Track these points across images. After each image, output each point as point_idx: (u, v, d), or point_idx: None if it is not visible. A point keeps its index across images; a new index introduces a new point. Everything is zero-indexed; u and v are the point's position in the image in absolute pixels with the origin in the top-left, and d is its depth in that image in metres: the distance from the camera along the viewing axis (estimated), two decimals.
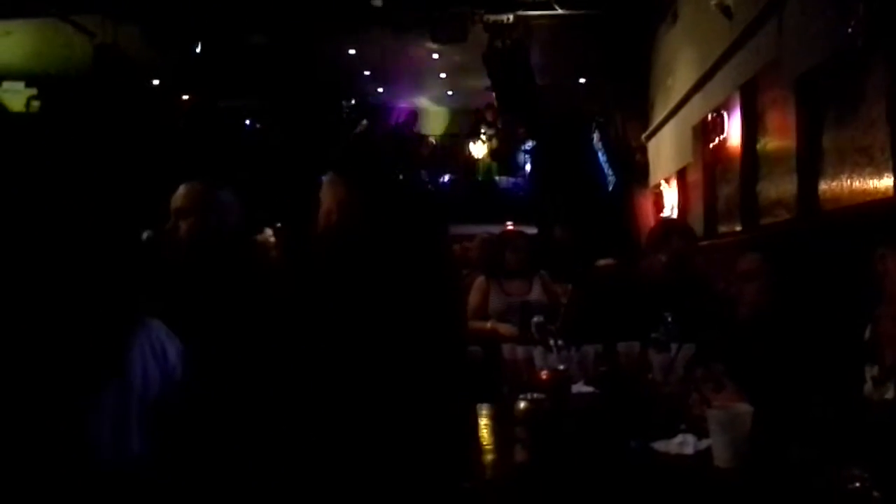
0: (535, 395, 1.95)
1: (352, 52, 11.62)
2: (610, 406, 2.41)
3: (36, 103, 12.00)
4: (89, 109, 10.73)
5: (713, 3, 6.54)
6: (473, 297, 4.92)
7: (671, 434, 1.96)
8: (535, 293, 4.95)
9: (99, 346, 1.44)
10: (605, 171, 10.85)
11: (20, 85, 12.06)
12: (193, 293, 2.36)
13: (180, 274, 2.50)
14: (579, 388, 2.66)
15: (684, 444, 1.90)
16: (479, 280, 5.02)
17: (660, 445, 1.92)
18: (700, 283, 3.81)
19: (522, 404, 1.93)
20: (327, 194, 2.17)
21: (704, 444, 1.88)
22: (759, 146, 6.01)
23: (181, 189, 2.53)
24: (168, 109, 12.07)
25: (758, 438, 1.75)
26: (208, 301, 2.30)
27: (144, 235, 2.60)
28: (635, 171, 9.99)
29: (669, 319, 3.01)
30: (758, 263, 2.71)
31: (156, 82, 11.89)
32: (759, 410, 1.78)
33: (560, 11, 9.30)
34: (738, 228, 6.38)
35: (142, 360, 1.63)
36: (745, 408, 1.79)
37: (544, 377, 2.21)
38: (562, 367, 2.37)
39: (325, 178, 2.29)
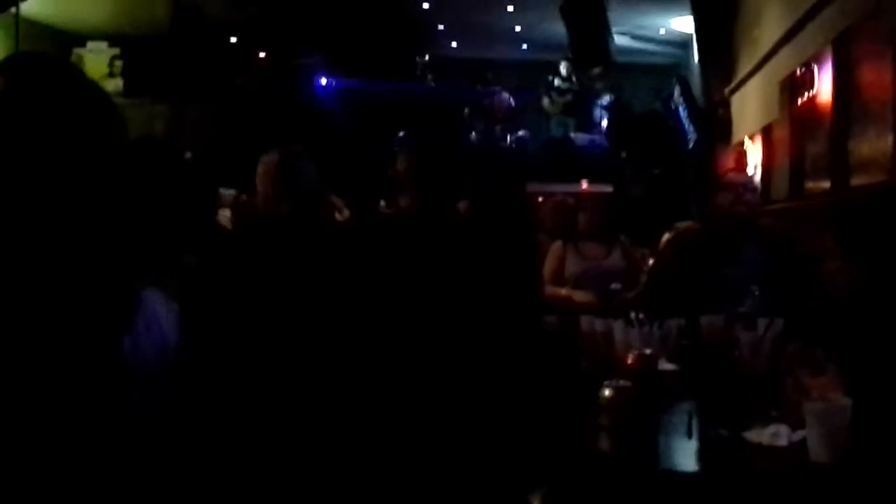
0: (621, 382, 1.90)
1: (426, 6, 11.49)
2: (695, 386, 2.34)
3: (119, 63, 12.24)
4: (170, 68, 10.91)
5: None
6: (549, 263, 4.86)
7: (763, 422, 1.89)
8: (614, 259, 4.86)
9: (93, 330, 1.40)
10: (686, 127, 10.52)
11: (104, 44, 12.30)
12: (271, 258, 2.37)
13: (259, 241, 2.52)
14: (662, 364, 2.59)
15: (777, 434, 1.83)
16: (556, 245, 4.95)
17: (751, 435, 1.85)
18: (787, 251, 3.68)
19: (608, 391, 1.88)
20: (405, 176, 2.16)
21: (799, 435, 1.80)
22: (852, 103, 5.71)
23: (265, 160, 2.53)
24: (245, 66, 12.18)
25: (858, 433, 1.67)
26: (284, 271, 2.30)
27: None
28: (718, 128, 9.67)
29: (756, 293, 2.92)
30: (855, 241, 2.57)
31: (233, 40, 12.00)
32: (858, 401, 1.69)
33: None
34: (827, 190, 6.12)
35: (132, 338, 1.59)
36: (844, 400, 1.70)
37: (630, 362, 2.16)
38: (648, 350, 2.31)
39: (400, 154, 2.28)
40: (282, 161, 2.46)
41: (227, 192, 5.25)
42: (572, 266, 4.85)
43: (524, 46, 13.92)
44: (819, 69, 6.37)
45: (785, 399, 2.02)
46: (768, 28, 7.87)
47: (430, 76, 13.38)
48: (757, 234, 3.59)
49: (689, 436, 1.92)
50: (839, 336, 2.30)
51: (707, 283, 3.21)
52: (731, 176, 3.63)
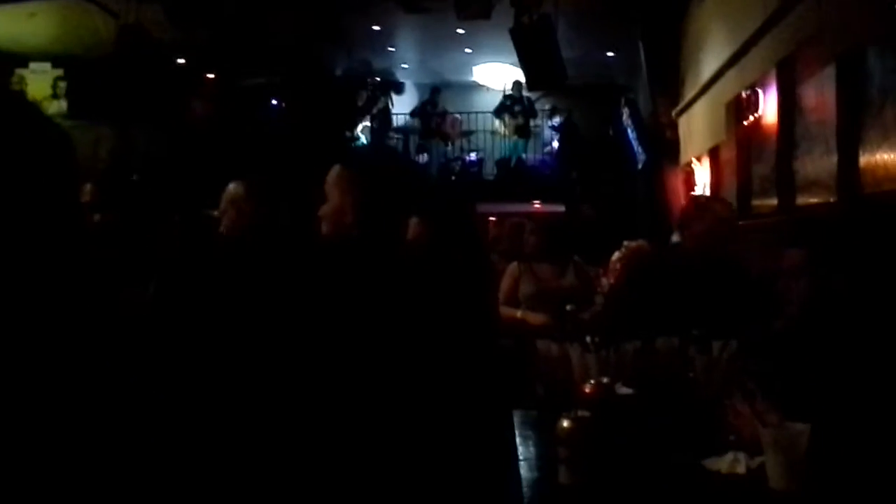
0: (579, 413, 1.87)
1: (376, 28, 11.49)
2: (652, 411, 2.32)
3: (62, 84, 12.00)
4: (116, 90, 10.72)
5: None
6: (504, 283, 4.85)
7: (720, 448, 1.87)
8: (568, 279, 4.86)
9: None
10: (635, 148, 10.66)
11: (47, 65, 12.06)
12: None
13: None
14: (618, 389, 2.58)
15: (736, 461, 1.82)
16: (511, 266, 4.94)
17: (710, 463, 1.84)
18: (739, 270, 3.70)
19: (565, 423, 1.85)
20: (338, 191, 2.09)
21: (757, 461, 1.79)
22: (796, 125, 5.84)
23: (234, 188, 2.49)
24: (193, 88, 12.03)
25: (816, 458, 1.66)
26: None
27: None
28: (666, 149, 9.81)
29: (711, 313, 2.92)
30: (803, 258, 2.59)
31: (181, 61, 11.85)
32: (815, 427, 1.69)
33: None
34: (774, 209, 6.23)
35: None
36: (801, 426, 1.70)
37: (587, 391, 2.13)
38: (605, 377, 2.29)
39: (334, 173, 2.19)
40: (249, 190, 2.41)
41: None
42: (526, 287, 4.84)
43: (475, 68, 14.00)
44: (764, 92, 6.50)
45: (733, 424, 2.01)
46: (714, 52, 8.03)
47: (381, 97, 13.37)
48: (712, 244, 3.57)
49: (649, 465, 1.89)
50: (790, 356, 2.31)
51: (662, 305, 3.21)
52: (704, 197, 3.62)
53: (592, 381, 2.24)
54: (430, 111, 13.54)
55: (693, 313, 2.91)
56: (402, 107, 13.97)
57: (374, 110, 13.04)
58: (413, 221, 3.48)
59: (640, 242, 5.47)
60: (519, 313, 4.65)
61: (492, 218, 8.56)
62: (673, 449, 1.92)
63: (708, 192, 8.42)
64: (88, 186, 2.84)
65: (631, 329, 2.99)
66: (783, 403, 1.92)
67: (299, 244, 2.26)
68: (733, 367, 2.51)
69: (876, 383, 1.93)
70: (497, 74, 13.36)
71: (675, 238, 5.95)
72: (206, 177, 9.19)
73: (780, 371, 2.30)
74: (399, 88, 13.93)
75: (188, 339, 2.10)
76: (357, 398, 1.98)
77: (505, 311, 4.64)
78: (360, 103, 12.91)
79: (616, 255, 6.61)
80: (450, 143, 13.41)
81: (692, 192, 8.90)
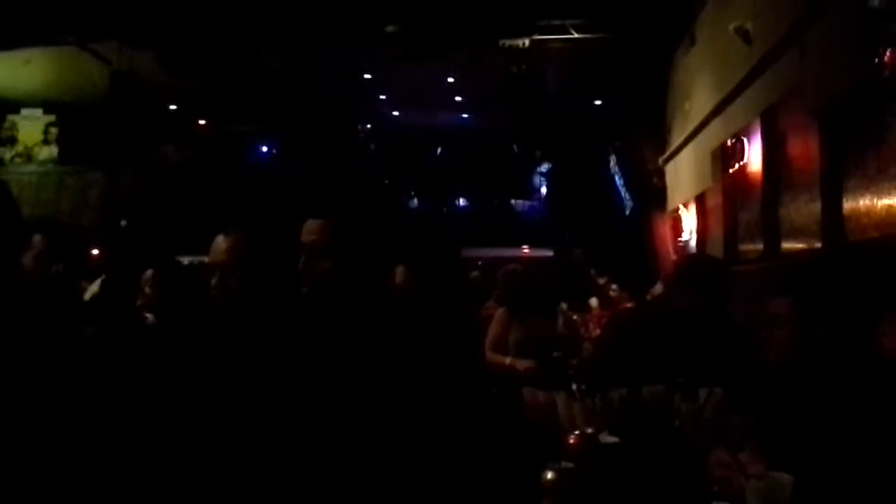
0: (563, 464, 1.86)
1: (367, 76, 11.63)
2: (637, 460, 2.31)
3: (54, 130, 12.06)
4: (107, 136, 10.78)
5: (732, 27, 6.47)
6: (493, 329, 4.82)
7: (704, 498, 1.86)
8: (557, 326, 4.85)
9: None
10: (623, 194, 10.76)
11: (38, 111, 12.14)
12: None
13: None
14: (604, 437, 2.56)
15: None
16: (500, 311, 4.93)
17: None
18: (724, 318, 3.71)
19: (550, 475, 1.84)
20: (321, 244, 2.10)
21: None
22: (780, 173, 5.91)
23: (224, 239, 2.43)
24: (184, 134, 12.10)
25: None
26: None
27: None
28: (653, 195, 9.90)
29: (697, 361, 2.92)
30: (787, 307, 2.60)
31: (172, 107, 11.94)
32: (799, 478, 1.68)
33: (575, 35, 9.26)
34: (759, 254, 6.27)
35: None
36: (785, 477, 1.69)
37: (572, 441, 2.12)
38: (589, 426, 2.28)
39: (313, 223, 2.18)
40: (238, 242, 2.37)
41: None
42: (515, 333, 4.82)
43: (465, 115, 14.16)
44: (749, 140, 6.60)
45: (715, 475, 2.00)
46: (699, 101, 8.15)
47: (372, 144, 13.49)
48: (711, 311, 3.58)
49: None
50: (774, 406, 2.31)
51: (648, 356, 3.20)
52: (699, 253, 3.65)
53: (577, 432, 2.23)
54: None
55: (677, 362, 2.91)
56: (392, 153, 14.09)
57: (363, 156, 13.14)
58: (399, 269, 3.49)
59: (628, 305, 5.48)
60: (508, 360, 4.63)
61: (479, 262, 8.59)
62: (657, 499, 1.91)
63: (695, 239, 8.48)
64: (38, 237, 2.77)
65: (617, 376, 2.99)
66: (767, 454, 1.92)
67: (290, 301, 2.23)
68: (719, 415, 2.50)
69: (860, 434, 1.93)
70: (489, 122, 13.50)
71: (658, 289, 5.97)
72: (187, 223, 9.23)
73: (765, 421, 2.30)
74: (388, 135, 14.08)
75: (178, 403, 2.07)
76: (344, 451, 1.96)
77: (493, 357, 4.61)
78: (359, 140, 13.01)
79: (594, 301, 6.63)
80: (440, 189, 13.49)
81: (679, 239, 8.96)
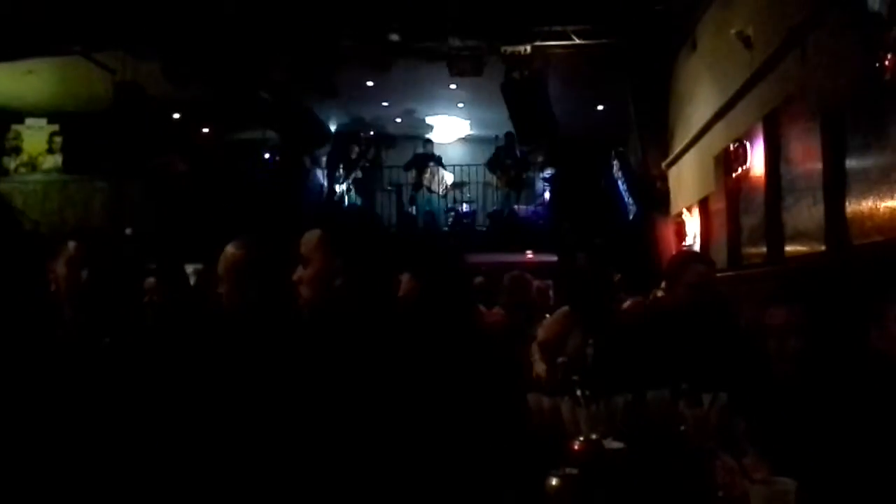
0: (567, 470, 1.87)
1: (369, 83, 11.66)
2: (642, 466, 2.32)
3: (58, 139, 12.11)
4: (111, 145, 10.83)
5: (733, 32, 6.50)
6: (552, 328, 4.76)
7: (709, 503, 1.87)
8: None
9: None
10: (626, 199, 10.76)
11: (43, 121, 12.19)
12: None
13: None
14: (608, 444, 2.57)
15: None
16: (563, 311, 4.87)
17: None
18: (728, 321, 3.72)
19: (554, 481, 1.85)
20: (321, 255, 2.09)
21: None
22: (783, 177, 5.92)
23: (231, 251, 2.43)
24: (188, 142, 12.14)
25: None
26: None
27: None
28: (656, 200, 9.90)
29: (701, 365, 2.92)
30: (793, 314, 2.61)
31: (176, 116, 11.98)
32: (804, 483, 1.69)
33: (577, 41, 9.29)
34: (763, 258, 6.28)
35: None
36: (789, 482, 1.70)
37: (576, 447, 2.13)
38: (594, 432, 2.28)
39: (314, 237, 2.16)
40: (248, 255, 2.37)
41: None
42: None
43: (467, 122, 14.18)
44: (751, 144, 6.61)
45: (719, 480, 2.01)
46: (702, 105, 8.17)
47: (372, 150, 13.49)
48: (697, 296, 3.59)
49: None
50: (780, 412, 2.31)
51: (649, 357, 3.21)
52: (688, 250, 3.65)
53: (581, 438, 2.23)
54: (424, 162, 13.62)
55: (681, 365, 2.92)
56: (394, 160, 14.11)
57: (364, 163, 13.14)
58: (405, 278, 3.49)
59: (633, 300, 5.45)
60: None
61: (482, 268, 8.57)
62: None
63: (698, 243, 8.48)
64: (72, 244, 2.85)
65: (621, 382, 2.99)
66: (772, 459, 1.93)
67: (292, 315, 2.22)
68: (723, 420, 2.51)
69: (864, 439, 1.94)
70: (491, 128, 13.52)
71: (661, 292, 5.96)
72: (191, 231, 9.26)
73: (769, 426, 2.31)
74: (391, 143, 14.10)
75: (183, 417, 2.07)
76: (350, 455, 1.96)
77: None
78: (352, 156, 13.02)
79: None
80: (443, 196, 13.48)
81: (683, 243, 8.96)
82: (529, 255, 11.85)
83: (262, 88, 10.51)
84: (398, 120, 13.97)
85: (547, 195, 13.13)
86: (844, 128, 4.72)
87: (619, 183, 10.94)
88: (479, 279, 7.94)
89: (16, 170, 12.07)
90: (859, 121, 4.53)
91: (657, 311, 4.16)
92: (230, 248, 2.39)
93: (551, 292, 6.74)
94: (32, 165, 12.12)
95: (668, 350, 3.29)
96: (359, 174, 13.01)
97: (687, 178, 9.06)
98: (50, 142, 12.14)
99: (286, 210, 10.49)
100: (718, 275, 7.12)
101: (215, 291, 2.43)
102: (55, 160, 12.08)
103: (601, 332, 3.74)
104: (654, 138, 9.99)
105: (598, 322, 4.19)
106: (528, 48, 9.15)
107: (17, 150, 12.16)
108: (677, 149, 9.34)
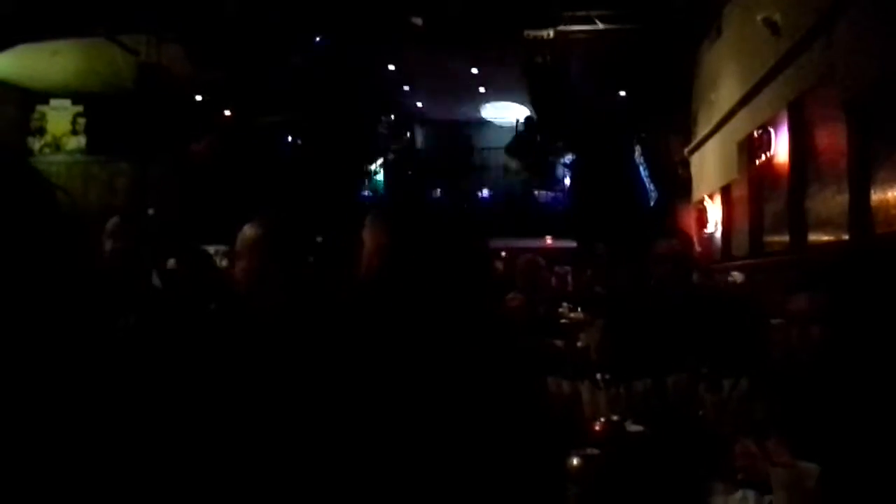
0: (589, 451, 1.88)
1: (391, 67, 11.65)
2: (662, 448, 2.33)
3: (82, 121, 12.20)
4: (134, 126, 10.89)
5: (759, 18, 6.43)
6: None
7: (729, 486, 1.88)
8: (577, 314, 4.87)
9: None
10: (647, 185, 10.71)
11: (67, 102, 12.27)
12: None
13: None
14: (629, 426, 2.58)
15: (745, 500, 1.82)
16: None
17: (719, 501, 1.84)
18: (746, 309, 3.71)
19: (576, 461, 1.86)
20: (369, 236, 2.10)
21: (766, 500, 1.80)
22: (807, 164, 5.87)
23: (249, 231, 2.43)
24: (210, 125, 12.19)
25: (825, 499, 1.66)
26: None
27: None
28: (678, 186, 9.85)
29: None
30: (816, 302, 2.59)
31: (198, 98, 12.03)
32: (825, 467, 1.69)
33: (601, 26, 9.23)
34: (786, 247, 6.24)
35: None
36: (811, 466, 1.70)
37: (597, 429, 2.14)
38: (614, 415, 2.30)
39: (368, 219, 2.20)
40: (267, 233, 2.35)
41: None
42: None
43: (489, 106, 14.15)
44: (775, 131, 6.55)
45: (740, 463, 2.01)
46: (726, 92, 8.10)
47: (405, 133, 13.53)
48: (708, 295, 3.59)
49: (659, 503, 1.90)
50: (800, 393, 2.31)
51: (663, 342, 3.21)
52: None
53: (602, 419, 2.24)
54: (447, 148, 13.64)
55: (700, 348, 2.92)
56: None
57: (397, 146, 13.18)
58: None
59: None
60: None
61: (503, 253, 8.58)
62: (682, 487, 1.92)
63: (720, 230, 8.44)
64: (115, 220, 2.90)
65: (639, 366, 3.00)
66: (793, 443, 1.93)
67: (327, 300, 2.21)
68: (743, 405, 2.51)
69: (885, 424, 1.93)
70: (509, 113, 13.49)
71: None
72: (212, 212, 9.32)
73: (790, 410, 2.30)
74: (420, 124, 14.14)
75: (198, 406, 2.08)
76: (372, 434, 1.97)
77: None
78: (381, 131, 13.04)
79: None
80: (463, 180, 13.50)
81: (704, 230, 8.92)
82: (549, 240, 11.84)
83: (283, 72, 10.52)
84: (420, 104, 13.97)
85: (567, 181, 13.09)
86: (870, 115, 4.67)
87: (641, 169, 10.89)
88: (497, 265, 7.95)
89: (40, 150, 12.17)
90: (886, 108, 4.48)
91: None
92: (248, 228, 2.39)
93: (570, 278, 6.74)
94: (56, 146, 12.21)
95: (687, 335, 3.28)
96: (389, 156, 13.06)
97: (709, 164, 9.00)
98: (74, 123, 12.22)
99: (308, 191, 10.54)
100: (738, 262, 7.12)
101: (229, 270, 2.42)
102: (79, 141, 12.17)
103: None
104: (677, 124, 9.93)
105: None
106: (552, 32, 9.10)
107: (42, 131, 12.25)
108: (700, 135, 9.28)
